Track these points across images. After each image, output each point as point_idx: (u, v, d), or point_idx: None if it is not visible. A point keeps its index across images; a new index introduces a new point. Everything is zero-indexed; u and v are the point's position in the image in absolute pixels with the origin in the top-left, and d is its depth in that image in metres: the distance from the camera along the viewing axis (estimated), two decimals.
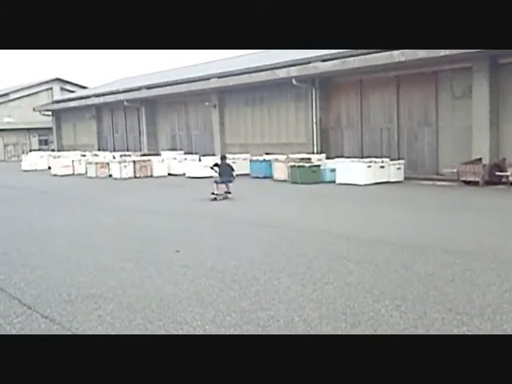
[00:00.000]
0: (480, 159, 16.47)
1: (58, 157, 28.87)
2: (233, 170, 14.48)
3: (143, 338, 4.16)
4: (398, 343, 3.03)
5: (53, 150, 38.87)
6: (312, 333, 4.54)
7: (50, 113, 41.59)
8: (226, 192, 13.75)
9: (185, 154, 27.26)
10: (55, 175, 24.96)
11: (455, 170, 16.66)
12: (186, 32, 3.45)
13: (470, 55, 15.79)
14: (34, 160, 30.57)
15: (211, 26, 3.41)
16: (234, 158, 22.31)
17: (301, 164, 18.42)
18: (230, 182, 14.04)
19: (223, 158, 15.11)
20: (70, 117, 39.51)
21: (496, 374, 2.58)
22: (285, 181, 18.68)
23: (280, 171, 19.41)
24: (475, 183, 15.85)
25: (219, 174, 14.22)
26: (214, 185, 13.68)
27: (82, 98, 37.67)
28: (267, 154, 22.26)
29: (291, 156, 19.76)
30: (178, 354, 2.88)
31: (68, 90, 46.60)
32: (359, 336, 4.37)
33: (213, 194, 13.45)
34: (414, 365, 2.68)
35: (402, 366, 2.66)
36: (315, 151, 21.84)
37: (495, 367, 2.60)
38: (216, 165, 14.59)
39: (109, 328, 4.78)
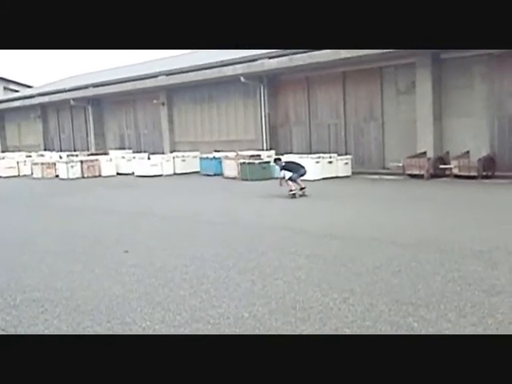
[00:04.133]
0: (425, 153, 16.95)
1: (2, 158, 27.94)
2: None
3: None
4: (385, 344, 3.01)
5: None
6: (261, 328, 4.57)
7: None
8: (301, 188, 13.37)
9: (133, 152, 26.89)
10: None
11: (401, 164, 17.08)
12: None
13: (413, 51, 16.20)
14: None
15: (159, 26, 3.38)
16: (183, 156, 22.27)
17: (250, 161, 18.49)
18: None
19: (279, 159, 14.49)
20: (14, 117, 38.22)
21: (492, 374, 2.58)
22: (235, 178, 18.69)
23: (230, 168, 19.39)
24: (420, 176, 16.31)
25: (292, 170, 13.60)
26: (290, 182, 13.26)
27: (26, 97, 36.44)
28: (217, 151, 22.21)
29: (241, 153, 19.80)
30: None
31: (12, 90, 45.01)
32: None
33: (291, 191, 13.09)
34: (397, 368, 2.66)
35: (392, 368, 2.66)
36: (264, 148, 21.96)
37: (488, 368, 2.60)
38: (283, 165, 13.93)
39: (55, 332, 4.68)
